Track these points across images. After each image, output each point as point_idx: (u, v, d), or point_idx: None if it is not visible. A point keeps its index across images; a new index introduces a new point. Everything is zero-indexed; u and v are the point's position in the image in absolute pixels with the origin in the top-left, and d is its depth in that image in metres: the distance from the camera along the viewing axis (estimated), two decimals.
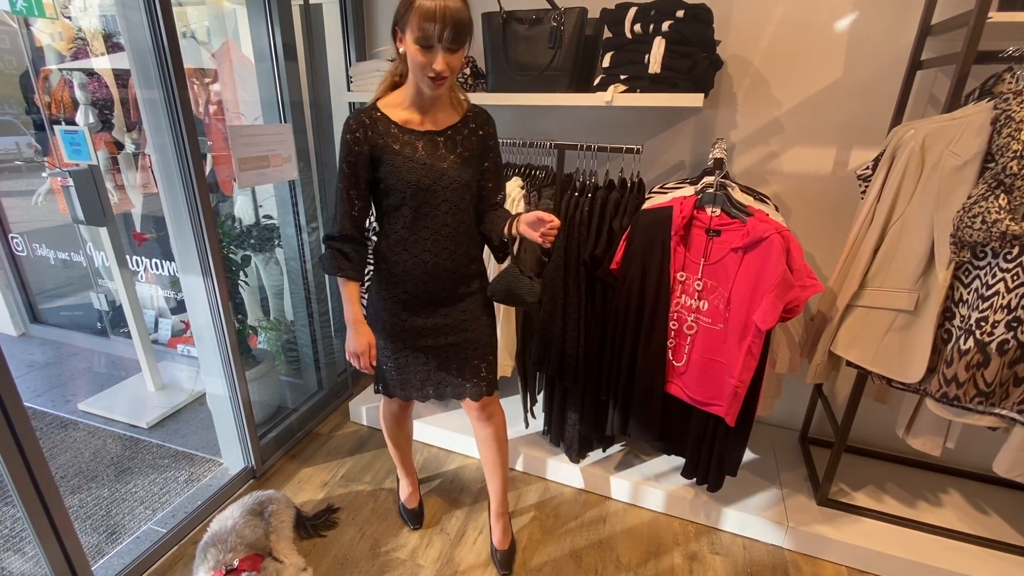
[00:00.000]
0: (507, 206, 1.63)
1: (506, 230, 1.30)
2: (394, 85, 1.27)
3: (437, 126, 1.25)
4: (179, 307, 2.80)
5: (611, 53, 1.65)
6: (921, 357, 1.37)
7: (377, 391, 1.52)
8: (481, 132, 1.31)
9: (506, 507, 1.67)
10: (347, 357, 1.36)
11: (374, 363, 1.36)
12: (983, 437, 1.81)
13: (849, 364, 1.53)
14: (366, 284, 1.69)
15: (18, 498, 1.17)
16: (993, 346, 1.27)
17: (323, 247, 1.33)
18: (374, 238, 1.37)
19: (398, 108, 1.23)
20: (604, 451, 2.01)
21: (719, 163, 1.50)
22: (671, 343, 1.58)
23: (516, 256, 1.33)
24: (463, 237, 1.31)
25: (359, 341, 1.32)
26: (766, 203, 1.59)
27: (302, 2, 1.95)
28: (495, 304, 1.47)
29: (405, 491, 1.79)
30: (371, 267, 1.40)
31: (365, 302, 1.44)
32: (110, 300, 2.93)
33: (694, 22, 1.53)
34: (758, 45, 1.78)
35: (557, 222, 1.17)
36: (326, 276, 2.30)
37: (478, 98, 1.85)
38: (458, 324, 1.37)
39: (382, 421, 1.64)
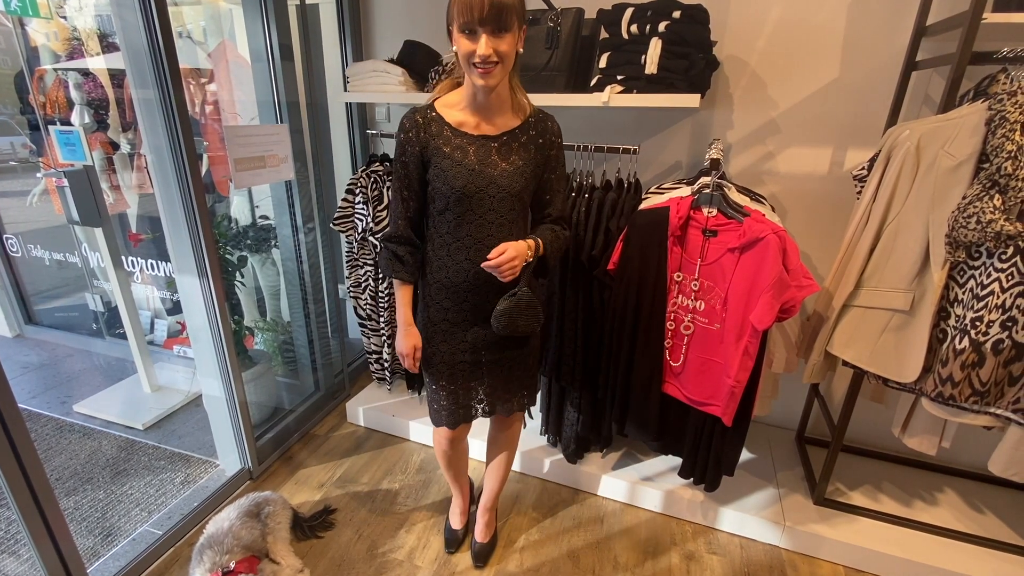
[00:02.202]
0: None
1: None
2: (455, 86, 1.22)
3: (493, 131, 1.19)
4: (175, 308, 2.79)
5: (608, 54, 1.65)
6: (917, 357, 1.37)
7: (435, 423, 1.45)
8: (541, 140, 1.22)
9: (496, 503, 1.68)
10: (402, 352, 1.34)
11: (418, 364, 1.35)
12: (978, 436, 1.82)
13: (845, 364, 1.54)
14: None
15: (13, 500, 1.16)
16: (988, 345, 1.28)
17: (380, 246, 1.31)
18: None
19: (454, 109, 1.19)
20: (602, 451, 2.02)
21: (715, 163, 1.51)
22: (668, 343, 1.58)
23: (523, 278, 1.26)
24: None
25: (405, 343, 1.32)
26: (762, 203, 1.60)
27: (298, 2, 1.95)
28: None
29: (454, 509, 1.73)
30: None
31: (385, 287, 1.39)
32: (105, 301, 2.91)
33: (691, 23, 1.54)
34: (754, 46, 1.78)
35: (496, 263, 1.13)
36: (323, 278, 2.30)
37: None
38: (500, 341, 1.32)
39: (435, 447, 1.56)
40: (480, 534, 1.66)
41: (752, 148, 1.89)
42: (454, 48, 1.08)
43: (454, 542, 1.69)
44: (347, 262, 2.16)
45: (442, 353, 1.34)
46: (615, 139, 1.76)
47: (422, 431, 2.17)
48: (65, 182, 2.11)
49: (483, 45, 1.02)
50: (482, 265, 1.15)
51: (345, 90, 2.07)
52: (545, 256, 1.27)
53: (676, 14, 1.53)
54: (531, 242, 1.21)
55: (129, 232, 2.66)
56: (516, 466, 2.03)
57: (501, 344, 1.33)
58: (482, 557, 1.63)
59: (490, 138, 1.19)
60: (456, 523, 1.72)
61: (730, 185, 1.51)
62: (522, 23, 1.07)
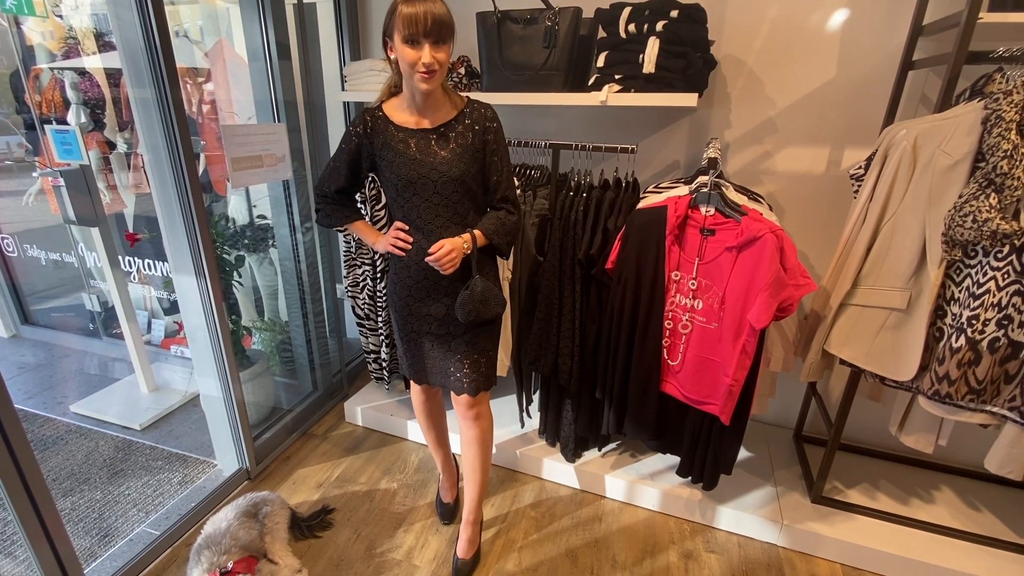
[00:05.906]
0: None
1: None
2: (392, 93, 1.36)
3: (431, 124, 1.32)
4: (172, 308, 2.78)
5: (606, 53, 1.65)
6: (913, 355, 1.37)
7: (403, 376, 1.56)
8: (477, 127, 1.33)
9: (479, 515, 1.65)
10: (390, 251, 1.39)
11: (404, 236, 1.37)
12: (975, 434, 1.83)
13: (842, 362, 1.54)
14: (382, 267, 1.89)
15: (9, 501, 1.16)
16: (984, 344, 1.28)
17: (315, 213, 1.44)
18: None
19: (397, 111, 1.34)
20: (600, 450, 2.02)
21: (713, 163, 1.51)
22: (666, 342, 1.59)
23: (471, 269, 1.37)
24: (458, 229, 1.35)
25: (388, 238, 1.38)
26: (760, 202, 1.60)
27: (296, 1, 1.94)
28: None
29: (442, 485, 1.82)
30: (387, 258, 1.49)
31: (384, 287, 1.49)
32: (102, 301, 2.91)
33: (688, 22, 1.54)
34: (752, 45, 1.78)
35: (435, 257, 1.27)
36: (320, 277, 2.29)
37: (473, 98, 1.86)
38: (454, 318, 1.40)
39: (414, 405, 1.68)
40: (462, 550, 1.60)
41: (750, 147, 1.90)
42: (391, 56, 1.25)
43: (446, 515, 1.80)
44: (345, 261, 2.16)
45: (410, 323, 1.45)
46: (613, 138, 1.76)
47: (420, 431, 2.17)
48: (61, 181, 2.10)
49: (427, 54, 1.16)
50: (426, 259, 1.29)
51: (343, 89, 2.06)
52: (491, 244, 1.37)
53: (674, 13, 1.53)
54: (467, 235, 1.32)
55: (126, 232, 2.65)
56: (514, 465, 2.04)
57: (446, 319, 1.42)
58: (462, 574, 1.57)
59: (429, 131, 1.32)
60: (446, 497, 1.81)
61: (728, 184, 1.51)
62: (452, 40, 1.21)
